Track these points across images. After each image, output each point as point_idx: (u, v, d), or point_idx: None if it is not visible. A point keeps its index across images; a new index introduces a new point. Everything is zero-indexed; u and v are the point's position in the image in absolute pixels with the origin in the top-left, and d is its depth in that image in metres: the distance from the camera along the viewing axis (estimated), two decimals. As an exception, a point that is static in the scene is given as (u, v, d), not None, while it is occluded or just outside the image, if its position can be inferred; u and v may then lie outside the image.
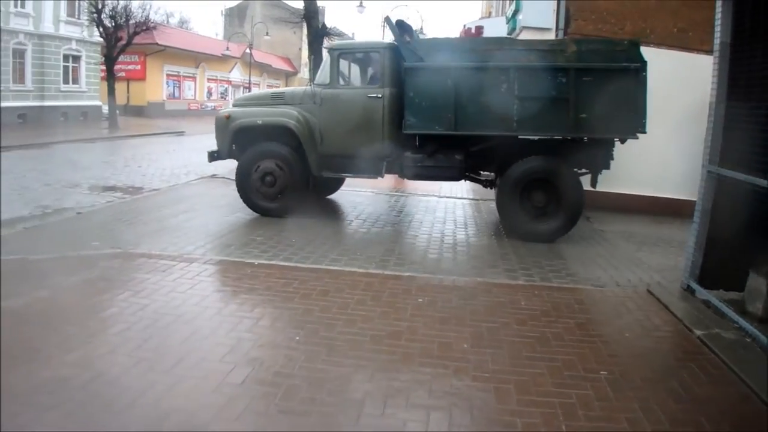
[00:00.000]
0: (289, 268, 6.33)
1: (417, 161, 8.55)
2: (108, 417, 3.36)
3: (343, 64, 8.93)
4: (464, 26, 16.46)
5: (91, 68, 34.94)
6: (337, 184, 11.14)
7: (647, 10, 10.89)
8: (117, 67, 32.12)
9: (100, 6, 29.92)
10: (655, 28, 10.82)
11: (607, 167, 8.33)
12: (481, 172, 9.21)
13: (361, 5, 31.03)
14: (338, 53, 8.92)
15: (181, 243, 7.37)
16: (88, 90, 34.35)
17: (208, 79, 50.09)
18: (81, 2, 32.50)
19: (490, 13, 26.75)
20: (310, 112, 8.84)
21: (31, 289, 5.32)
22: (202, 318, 4.84)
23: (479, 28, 15.83)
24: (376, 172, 8.76)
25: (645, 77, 7.70)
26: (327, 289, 5.61)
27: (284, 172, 8.90)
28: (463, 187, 12.99)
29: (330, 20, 33.40)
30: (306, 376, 3.89)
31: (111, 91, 29.57)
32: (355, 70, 9.22)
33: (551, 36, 10.97)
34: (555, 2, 10.86)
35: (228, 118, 9.26)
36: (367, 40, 9.04)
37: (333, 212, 9.80)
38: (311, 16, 16.99)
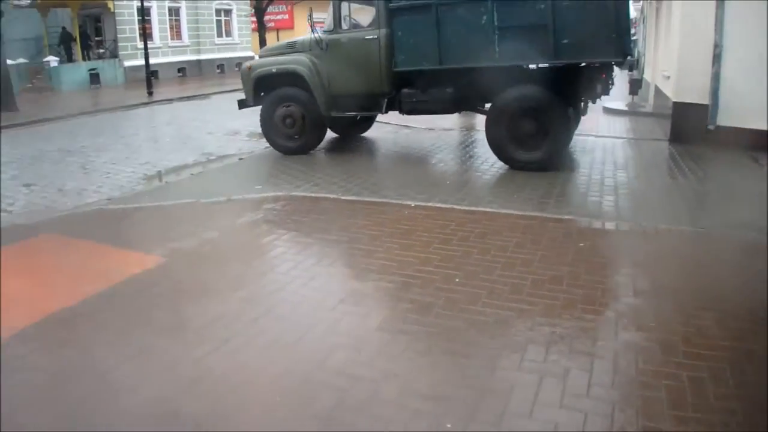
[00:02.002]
0: (445, 209, 6.32)
1: (411, 97, 9.06)
2: (276, 352, 3.55)
3: (344, 10, 9.41)
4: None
5: (242, 20, 36.54)
6: (369, 122, 11.73)
7: None
8: (266, 17, 33.34)
9: (248, -42, 31.02)
10: None
11: (605, 93, 8.33)
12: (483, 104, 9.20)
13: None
14: (339, 0, 9.41)
15: (341, 185, 7.66)
16: (241, 42, 36.02)
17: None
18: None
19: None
20: (318, 57, 9.52)
21: (202, 231, 5.72)
22: (362, 258, 4.97)
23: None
24: (377, 109, 9.44)
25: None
26: (485, 232, 5.54)
27: (300, 113, 9.71)
28: (621, 126, 12.29)
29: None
30: (467, 318, 3.88)
31: (262, 42, 30.73)
32: (357, 14, 9.58)
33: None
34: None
35: (250, 68, 10.20)
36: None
37: (474, 156, 9.62)
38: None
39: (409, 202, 6.59)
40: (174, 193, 7.73)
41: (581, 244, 5.24)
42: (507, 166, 8.48)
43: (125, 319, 4.01)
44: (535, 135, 8.19)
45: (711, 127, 9.78)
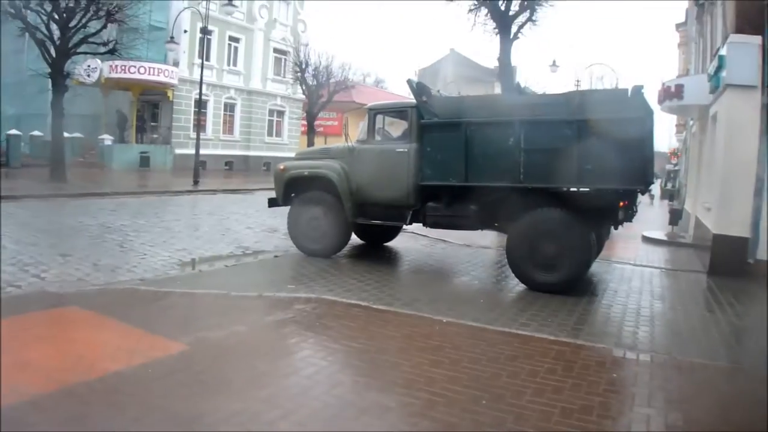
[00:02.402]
0: (477, 328, 6.20)
1: (436, 210, 9.29)
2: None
3: (378, 122, 9.80)
4: (663, 84, 15.62)
5: (293, 122, 38.05)
6: (394, 232, 11.85)
7: None
8: (317, 122, 34.64)
9: (304, 66, 32.64)
10: None
11: (628, 220, 8.30)
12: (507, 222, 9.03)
13: (554, 65, 30.78)
14: (374, 112, 9.85)
15: (373, 292, 7.64)
16: (289, 142, 37.31)
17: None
18: (287, 62, 35.67)
19: (687, 70, 25.39)
20: (349, 164, 9.80)
21: (229, 323, 5.70)
22: (388, 370, 4.86)
23: (679, 87, 14.95)
24: (402, 220, 9.57)
25: (651, 126, 7.66)
26: (516, 354, 5.39)
27: (327, 217, 9.94)
28: (660, 256, 12.14)
29: (523, 79, 33.24)
30: (492, 444, 3.71)
31: (310, 144, 31.83)
32: (389, 127, 10.05)
33: (757, 96, 10.00)
34: (760, 56, 9.86)
35: (283, 170, 10.55)
36: (400, 100, 10.88)
37: (510, 276, 9.54)
38: (505, 75, 17.11)
39: (440, 317, 6.48)
40: (206, 282, 7.77)
41: (614, 375, 5.06)
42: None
43: (139, 402, 3.94)
44: (554, 257, 8.15)
45: (751, 260, 9.61)
